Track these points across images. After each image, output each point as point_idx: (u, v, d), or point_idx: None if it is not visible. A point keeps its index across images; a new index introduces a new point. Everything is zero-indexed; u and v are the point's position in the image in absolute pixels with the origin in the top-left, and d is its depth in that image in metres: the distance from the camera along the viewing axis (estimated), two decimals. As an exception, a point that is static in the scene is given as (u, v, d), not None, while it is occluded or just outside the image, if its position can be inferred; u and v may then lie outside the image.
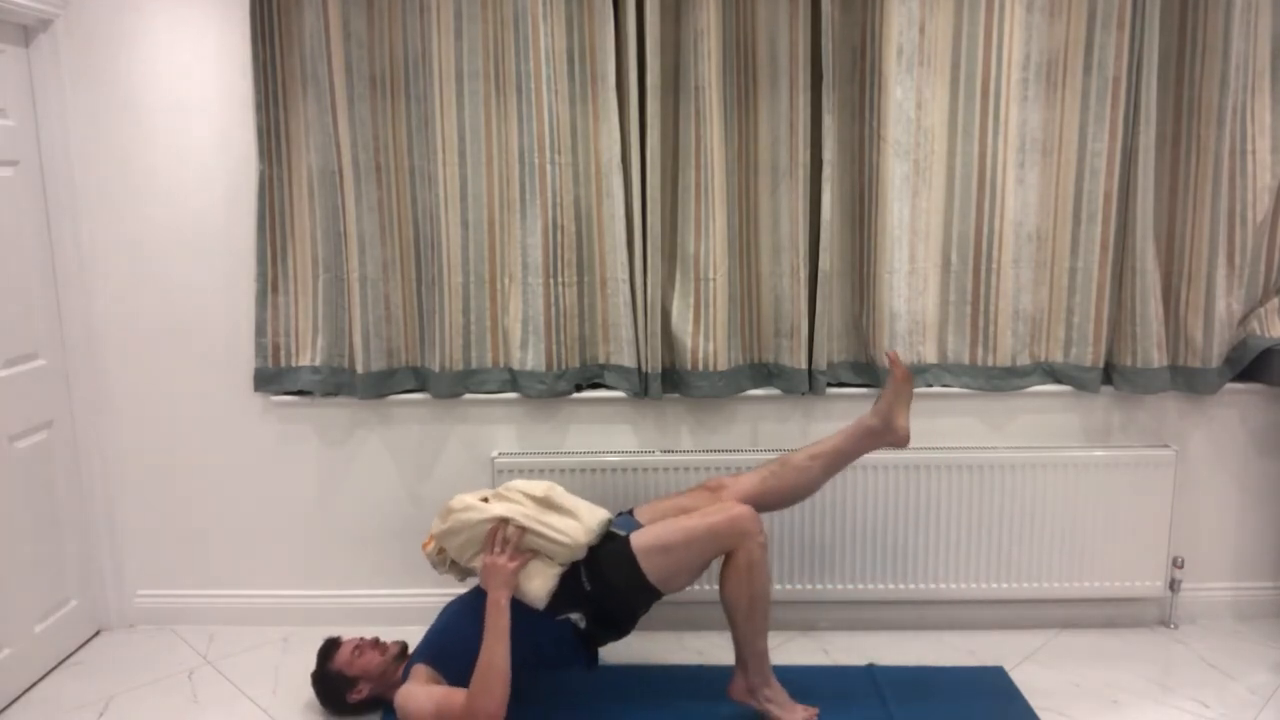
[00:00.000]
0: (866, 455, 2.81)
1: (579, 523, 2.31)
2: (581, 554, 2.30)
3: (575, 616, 2.34)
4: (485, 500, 2.36)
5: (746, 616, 2.32)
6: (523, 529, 2.26)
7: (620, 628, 2.41)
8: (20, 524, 2.70)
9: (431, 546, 2.42)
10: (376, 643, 2.52)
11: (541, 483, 2.39)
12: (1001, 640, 2.86)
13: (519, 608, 2.26)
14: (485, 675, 2.16)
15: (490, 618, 2.21)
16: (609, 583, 2.31)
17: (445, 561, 2.41)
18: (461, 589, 2.86)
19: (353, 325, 2.80)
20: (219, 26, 2.78)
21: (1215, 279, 2.71)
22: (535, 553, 2.30)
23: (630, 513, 2.53)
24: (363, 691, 2.46)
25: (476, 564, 2.33)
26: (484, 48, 2.72)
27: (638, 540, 2.31)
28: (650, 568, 2.29)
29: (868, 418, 2.45)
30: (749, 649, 2.36)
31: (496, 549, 2.27)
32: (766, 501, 2.47)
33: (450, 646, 2.35)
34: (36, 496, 2.77)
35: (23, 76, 2.74)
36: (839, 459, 2.48)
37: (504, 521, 2.27)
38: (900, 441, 2.45)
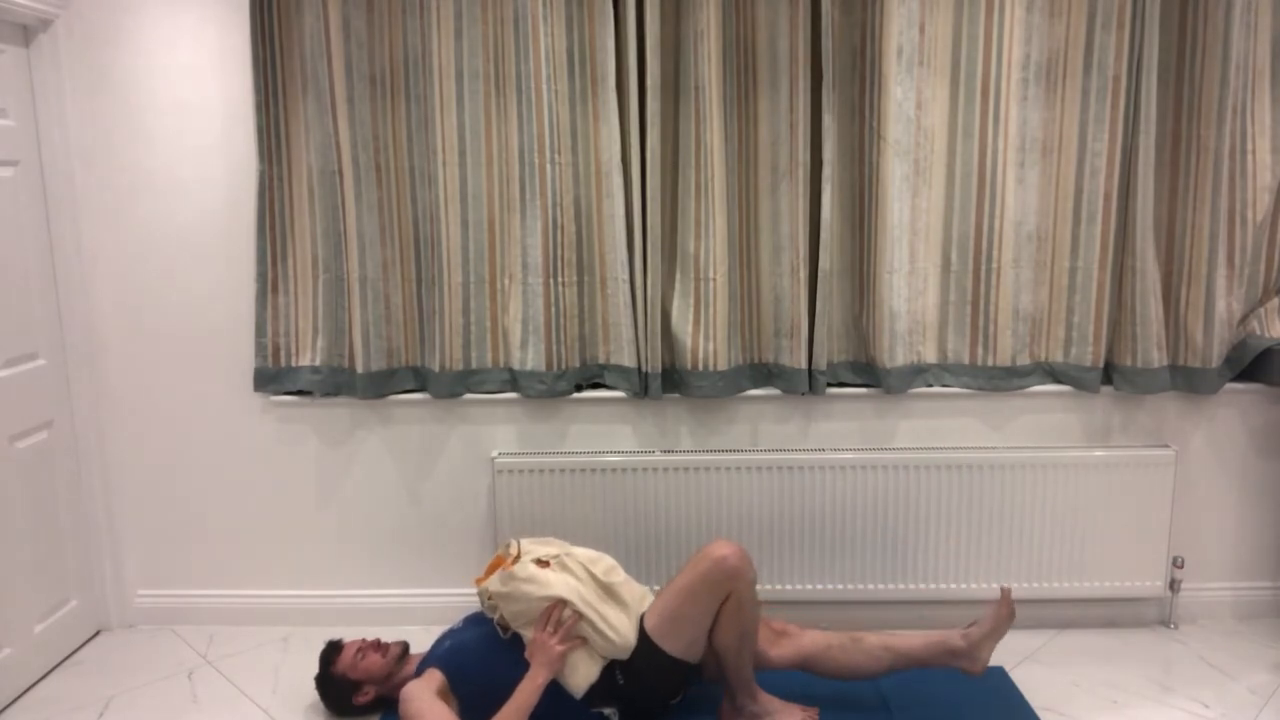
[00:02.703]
0: (867, 455, 2.83)
1: (629, 620, 2.30)
2: (626, 655, 2.27)
3: (609, 711, 2.32)
4: (546, 563, 2.32)
5: (737, 653, 2.31)
6: (578, 615, 2.25)
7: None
8: (20, 524, 2.70)
9: (484, 587, 2.38)
10: (378, 644, 2.50)
11: (605, 559, 2.39)
12: (1002, 640, 2.85)
13: (556, 692, 2.25)
14: None
15: (522, 690, 2.19)
16: (641, 677, 2.29)
17: (496, 609, 2.37)
18: (459, 589, 2.86)
19: (353, 325, 2.80)
20: (219, 26, 2.78)
21: (1215, 279, 2.71)
22: (583, 640, 2.27)
23: None
24: (369, 694, 2.46)
25: (526, 632, 2.30)
26: (484, 48, 2.72)
27: (649, 621, 2.30)
28: (669, 644, 2.27)
29: (955, 637, 2.41)
30: (737, 678, 2.35)
31: (549, 629, 2.24)
32: (820, 667, 2.44)
33: (472, 666, 2.33)
34: (36, 496, 2.77)
35: (23, 76, 2.74)
36: (908, 662, 2.43)
37: (562, 603, 2.25)
38: (974, 671, 2.41)
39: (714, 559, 2.25)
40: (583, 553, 2.40)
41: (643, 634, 2.29)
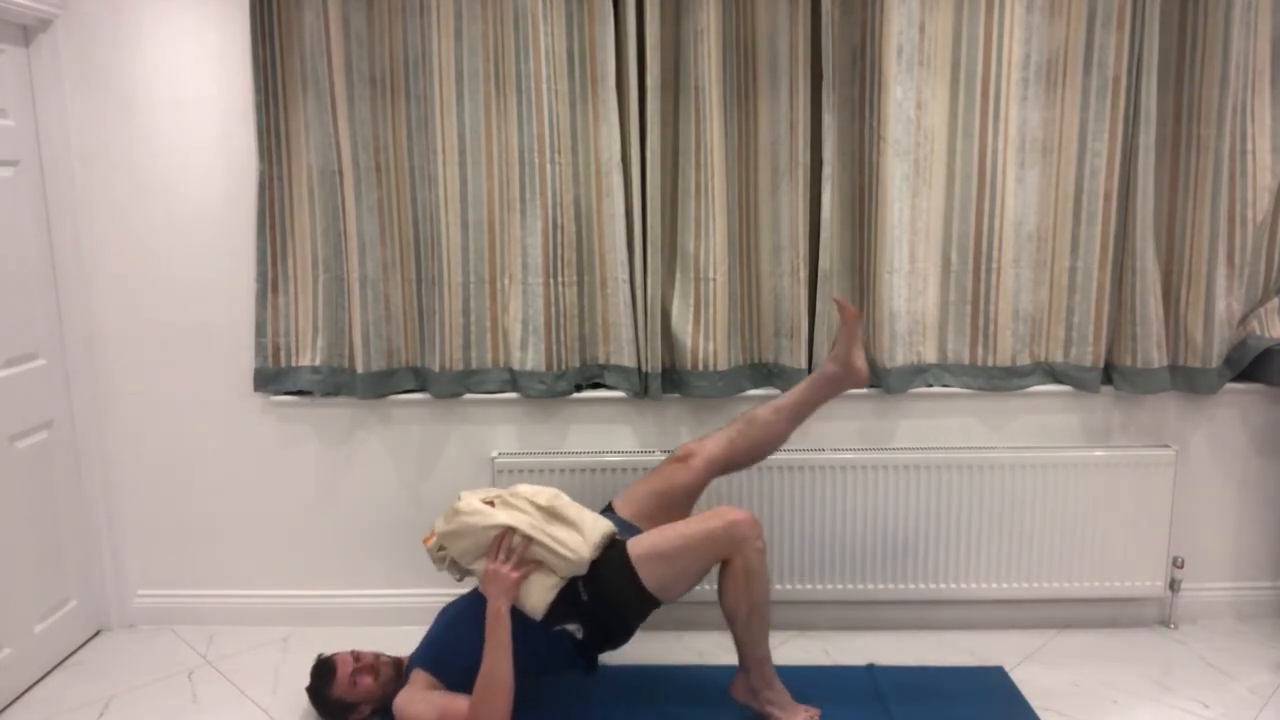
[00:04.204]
0: (867, 455, 2.83)
1: (583, 537, 2.28)
2: (583, 569, 2.27)
3: (572, 627, 2.32)
4: (491, 503, 2.33)
5: (745, 624, 2.31)
6: (528, 539, 2.25)
7: (616, 639, 2.39)
8: (20, 524, 2.70)
9: (433, 542, 2.39)
10: (371, 667, 2.47)
11: (547, 490, 2.37)
12: (1001, 640, 2.86)
13: (517, 617, 2.25)
14: (488, 686, 2.16)
15: (491, 629, 2.20)
16: (606, 594, 2.29)
17: (445, 559, 2.39)
18: (459, 589, 2.87)
19: (353, 325, 2.80)
20: (219, 26, 2.78)
21: (1215, 279, 2.71)
22: (538, 563, 2.27)
23: (610, 508, 2.51)
24: (364, 712, 2.46)
25: (477, 567, 2.31)
26: (484, 48, 2.72)
27: (634, 549, 2.29)
28: (648, 576, 2.27)
29: (827, 364, 2.46)
30: (750, 654, 2.36)
31: (500, 557, 2.25)
32: (736, 460, 2.50)
33: (449, 652, 2.35)
34: (36, 496, 2.77)
35: (23, 76, 2.74)
36: (803, 409, 2.49)
37: (510, 530, 2.25)
38: (860, 381, 2.46)
39: (727, 521, 2.25)
40: (524, 489, 2.38)
41: (624, 556, 2.27)
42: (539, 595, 2.26)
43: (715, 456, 2.46)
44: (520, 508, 2.32)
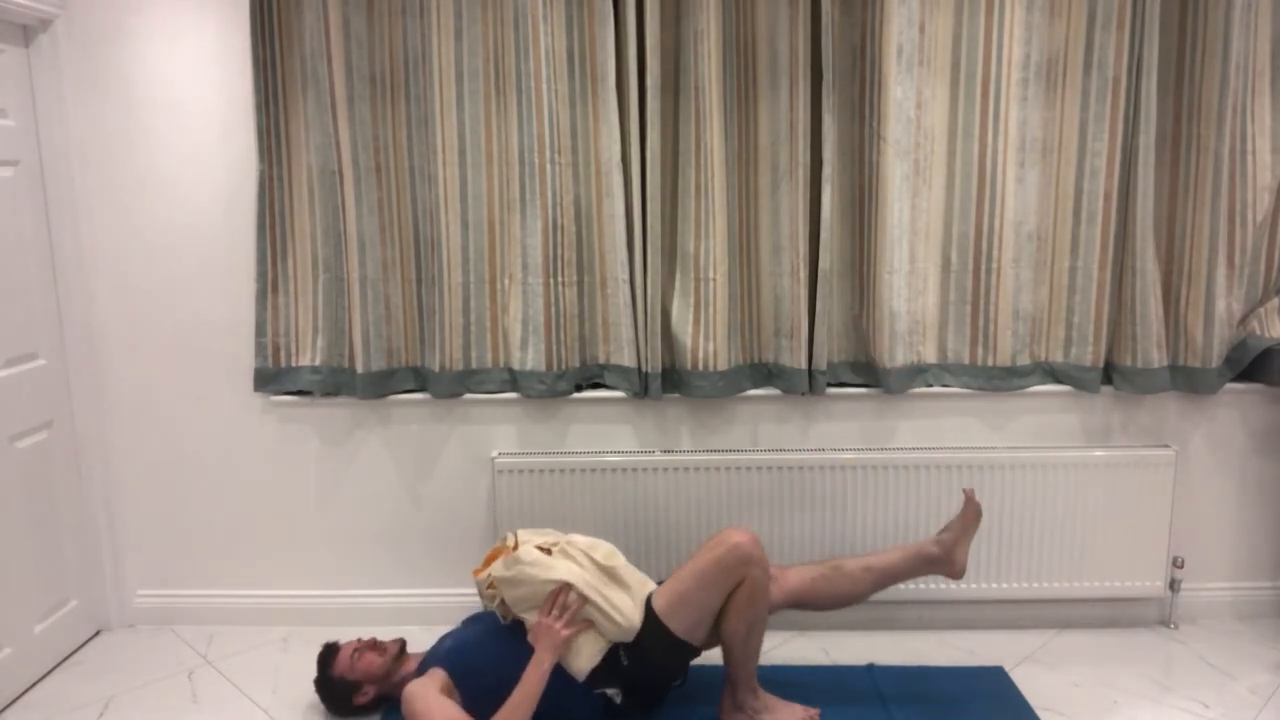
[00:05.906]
0: (867, 455, 2.83)
1: (634, 601, 2.30)
2: (630, 637, 2.28)
3: (612, 692, 2.33)
4: (548, 551, 2.33)
5: (744, 642, 2.32)
6: (584, 599, 2.25)
7: (652, 704, 2.41)
8: (20, 524, 2.70)
9: (483, 576, 2.39)
10: (375, 644, 2.50)
11: (604, 544, 2.39)
12: (1001, 640, 2.86)
13: (559, 674, 2.25)
14: None
15: (529, 676, 2.20)
16: (645, 656, 2.30)
17: (495, 598, 2.38)
18: (455, 590, 2.87)
19: (353, 325, 2.80)
20: (219, 26, 2.78)
21: (1215, 279, 2.71)
22: (589, 623, 2.28)
23: None
24: (368, 694, 2.46)
25: (528, 617, 2.31)
26: (484, 48, 2.72)
27: (658, 601, 2.32)
28: (675, 623, 2.29)
29: (929, 544, 2.46)
30: (743, 669, 2.36)
31: (554, 613, 2.25)
32: (815, 601, 2.47)
33: (477, 666, 2.33)
34: (36, 496, 2.77)
35: (23, 76, 2.74)
36: (891, 578, 2.47)
37: (567, 586, 2.25)
38: (955, 574, 2.46)
39: (730, 544, 2.26)
40: (581, 539, 2.41)
41: (651, 613, 2.30)
42: (586, 657, 2.28)
43: (794, 590, 2.45)
44: (578, 559, 2.32)
